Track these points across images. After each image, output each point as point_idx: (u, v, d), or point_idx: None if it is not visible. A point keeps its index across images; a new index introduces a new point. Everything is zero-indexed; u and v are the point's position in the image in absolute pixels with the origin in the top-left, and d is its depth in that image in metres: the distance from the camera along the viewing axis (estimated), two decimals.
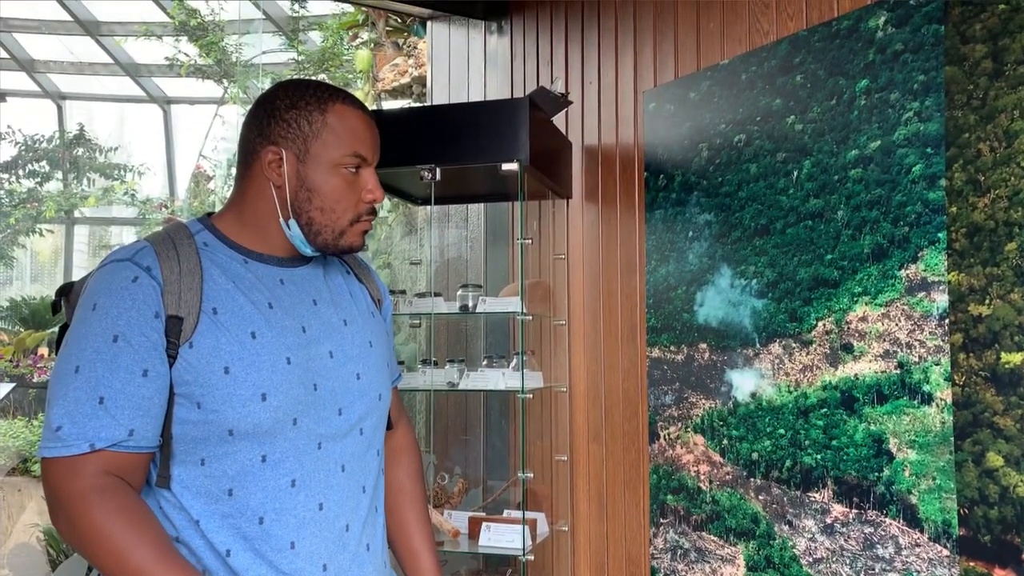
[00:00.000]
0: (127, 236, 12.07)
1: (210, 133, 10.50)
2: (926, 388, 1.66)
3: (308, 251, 1.30)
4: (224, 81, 9.36)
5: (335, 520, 1.25)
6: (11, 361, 8.52)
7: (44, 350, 9.20)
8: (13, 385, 7.53)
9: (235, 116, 10.12)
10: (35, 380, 7.82)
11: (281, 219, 1.28)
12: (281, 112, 1.27)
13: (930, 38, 1.68)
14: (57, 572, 3.01)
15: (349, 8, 5.65)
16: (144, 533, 1.11)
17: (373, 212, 1.34)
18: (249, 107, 1.36)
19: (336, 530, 1.25)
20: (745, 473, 2.04)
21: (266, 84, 9.11)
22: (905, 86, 1.72)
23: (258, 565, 1.18)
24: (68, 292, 1.31)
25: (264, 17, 8.95)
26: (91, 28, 10.68)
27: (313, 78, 1.45)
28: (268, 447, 1.20)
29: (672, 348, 2.29)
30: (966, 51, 1.62)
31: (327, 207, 1.27)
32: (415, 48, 4.54)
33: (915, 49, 1.70)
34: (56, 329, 1.43)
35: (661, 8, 2.43)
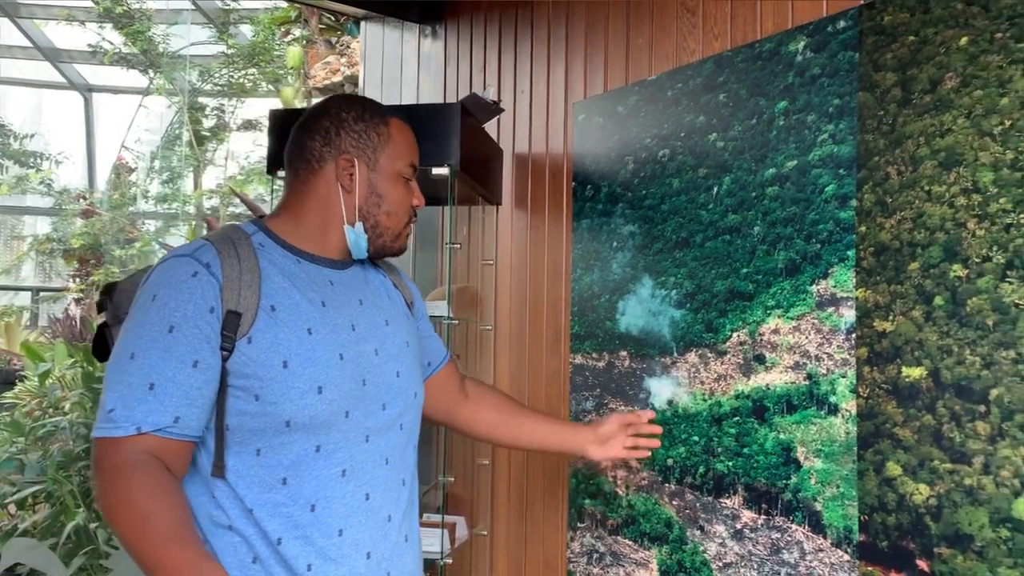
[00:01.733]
0: (41, 226, 11.62)
1: (134, 124, 10.21)
2: (833, 399, 1.73)
3: (364, 254, 1.40)
4: (150, 71, 9.12)
5: (379, 510, 1.33)
6: None
7: None
8: None
9: (160, 107, 9.86)
10: None
11: (346, 223, 1.37)
12: (351, 124, 1.38)
13: (845, 64, 1.75)
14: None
15: (282, 3, 5.58)
16: (167, 509, 1.15)
17: (415, 216, 1.46)
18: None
19: (379, 520, 1.32)
20: (660, 479, 2.09)
21: (194, 76, 8.92)
22: (821, 109, 1.79)
23: (307, 552, 1.24)
24: (112, 291, 1.38)
25: (194, 8, 8.76)
26: (9, 9, 10.26)
27: (358, 94, 1.56)
28: (323, 438, 1.27)
29: (594, 355, 2.33)
30: (878, 78, 1.70)
31: (393, 211, 1.40)
32: (348, 47, 4.51)
33: (831, 74, 1.78)
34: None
35: (592, 21, 2.48)
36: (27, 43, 10.90)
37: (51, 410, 4.81)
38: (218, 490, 1.25)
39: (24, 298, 10.81)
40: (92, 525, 3.39)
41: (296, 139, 1.42)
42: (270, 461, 1.24)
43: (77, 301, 8.57)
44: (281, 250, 1.35)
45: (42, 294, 10.20)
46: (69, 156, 11.12)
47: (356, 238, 1.38)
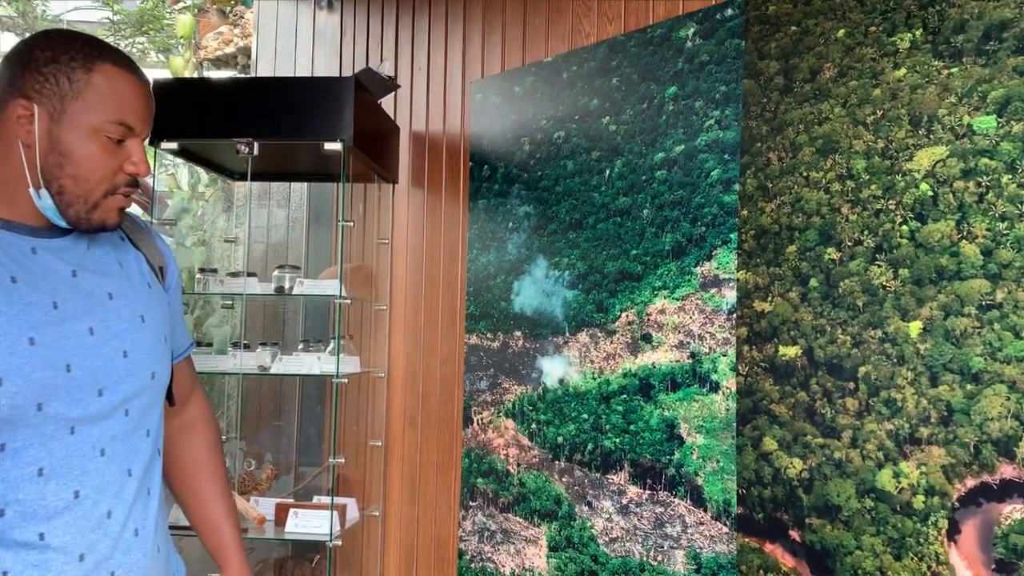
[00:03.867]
0: None
1: None
2: (714, 377, 1.78)
3: (61, 223, 1.18)
4: (27, 35, 8.60)
5: (94, 508, 1.17)
6: None
7: None
8: None
9: None
10: None
11: (31, 187, 1.15)
12: (39, 64, 1.14)
13: (732, 52, 1.80)
14: None
15: None
16: None
17: (134, 185, 1.22)
18: None
19: (95, 518, 1.17)
20: (551, 456, 2.12)
21: None
22: (708, 95, 1.84)
23: (2, 560, 1.09)
24: None
25: None
26: None
27: (83, 32, 1.29)
28: (7, 435, 1.09)
29: (489, 335, 2.34)
30: (762, 66, 1.75)
31: (80, 175, 1.16)
32: (241, 18, 4.36)
33: (719, 61, 1.82)
34: None
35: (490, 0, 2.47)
36: None
37: None
38: None
39: None
40: None
41: None
42: None
43: None
44: None
45: None
46: None
47: (44, 206, 1.16)
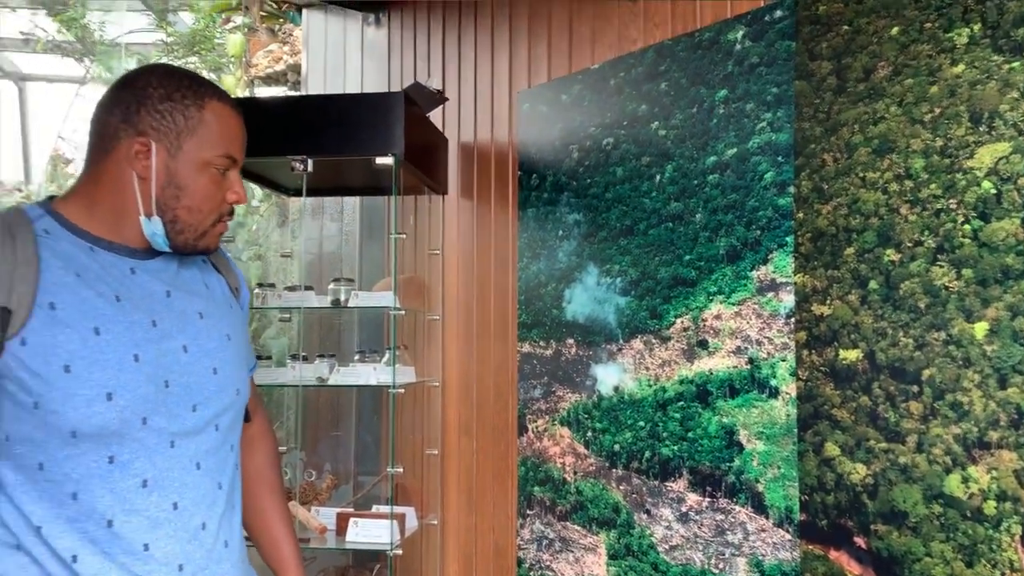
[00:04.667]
0: None
1: (70, 114, 9.93)
2: (773, 382, 1.76)
3: (165, 248, 1.24)
4: (86, 60, 8.87)
5: (191, 519, 1.21)
6: None
7: None
8: None
9: (97, 96, 9.60)
10: None
11: (142, 215, 1.21)
12: (154, 101, 1.20)
13: (782, 53, 1.78)
14: None
15: None
16: None
17: (232, 214, 1.30)
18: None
19: (192, 529, 1.21)
20: (607, 464, 2.12)
21: (132, 65, 8.69)
22: (759, 97, 1.82)
23: (108, 569, 1.14)
24: None
25: None
26: None
27: (184, 67, 1.33)
28: (116, 448, 1.14)
29: (541, 343, 2.34)
30: (814, 67, 1.73)
31: (195, 206, 1.23)
32: (290, 35, 4.44)
33: (769, 63, 1.81)
34: None
35: (535, 10, 2.48)
36: None
37: None
38: (2, 508, 1.13)
39: None
40: None
41: (97, 110, 1.24)
42: (55, 475, 1.12)
43: None
44: (72, 237, 1.19)
45: None
46: (3, 148, 10.77)
47: (153, 233, 1.22)
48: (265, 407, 1.57)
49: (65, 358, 1.11)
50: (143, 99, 1.21)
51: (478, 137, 2.71)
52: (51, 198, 1.25)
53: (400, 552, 2.36)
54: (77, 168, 9.93)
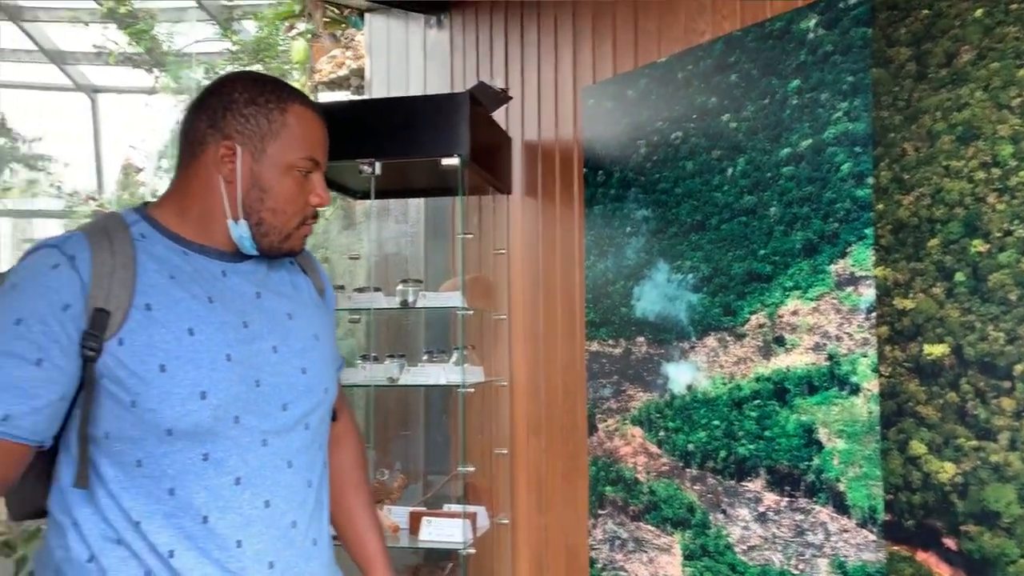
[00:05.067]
0: (52, 229, 11.67)
1: (140, 124, 10.22)
2: (854, 379, 1.72)
3: (252, 251, 1.27)
4: (155, 70, 9.12)
5: (282, 517, 1.23)
6: None
7: None
8: None
9: (166, 106, 9.87)
10: None
11: (229, 218, 1.24)
12: (239, 106, 1.23)
13: (858, 40, 1.73)
14: None
15: None
16: None
17: (316, 216, 1.31)
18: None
19: (283, 527, 1.23)
20: (681, 464, 2.09)
21: (199, 74, 8.91)
22: (834, 86, 1.77)
23: (203, 564, 1.16)
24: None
25: (197, 5, 8.74)
26: (13, 13, 10.27)
27: (269, 74, 1.37)
28: (210, 446, 1.17)
29: (610, 342, 2.32)
30: (892, 53, 1.67)
31: (279, 208, 1.25)
32: (352, 40, 4.50)
33: (844, 51, 1.76)
34: None
35: (599, 5, 2.46)
36: (32, 46, 10.92)
37: None
38: (103, 503, 1.16)
39: None
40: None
41: (186, 116, 1.28)
42: (153, 472, 1.15)
43: None
44: (166, 241, 1.23)
45: None
46: (77, 158, 11.15)
47: (239, 236, 1.25)
48: (351, 406, 1.59)
49: (161, 358, 1.14)
50: (229, 104, 1.24)
51: (542, 135, 2.70)
52: (146, 204, 1.29)
53: (473, 551, 2.37)
54: (147, 176, 10.23)
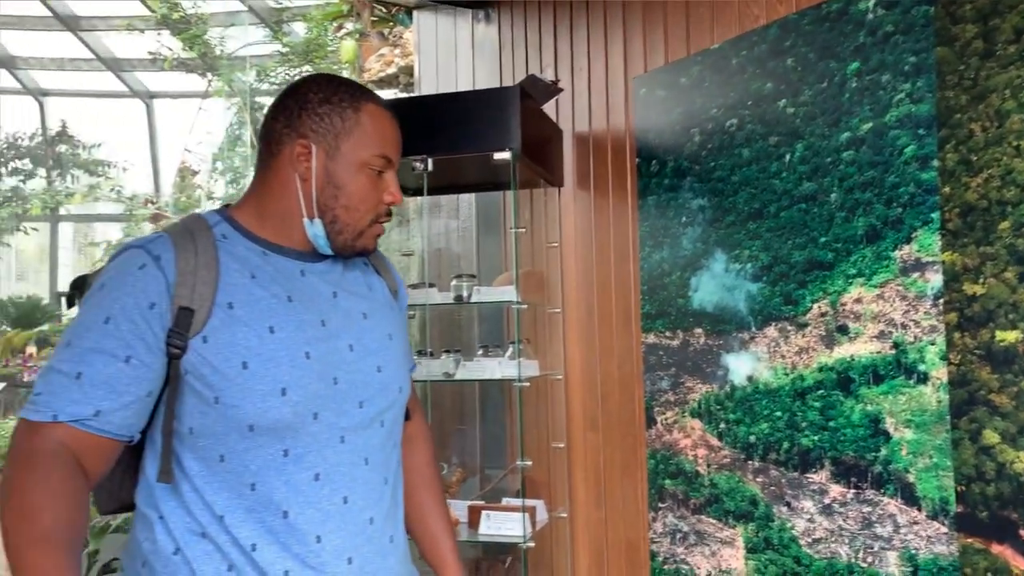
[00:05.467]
0: (112, 233, 11.99)
1: (194, 127, 10.45)
2: (922, 367, 1.67)
3: (327, 250, 1.29)
4: (208, 74, 9.29)
5: (360, 513, 1.25)
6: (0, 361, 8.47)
7: (32, 349, 9.16)
8: (3, 385, 7.48)
9: (220, 109, 10.06)
10: (25, 379, 7.77)
11: (304, 216, 1.27)
12: (314, 105, 1.26)
13: (920, 19, 1.68)
14: None
15: None
16: (54, 508, 1.09)
17: (389, 215, 1.33)
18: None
19: (360, 523, 1.25)
20: (743, 456, 2.06)
21: (251, 76, 9.07)
22: (896, 68, 1.73)
23: (284, 559, 1.18)
24: (82, 285, 1.31)
25: (247, 9, 8.89)
26: (71, 23, 10.57)
27: (342, 76, 1.41)
28: (290, 441, 1.19)
29: (667, 333, 2.30)
30: (956, 31, 1.62)
31: (352, 206, 1.27)
32: (401, 38, 4.52)
33: (905, 30, 1.71)
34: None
35: None
36: (90, 55, 11.22)
37: None
38: (187, 497, 1.18)
39: None
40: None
41: (264, 119, 1.31)
42: (235, 467, 1.18)
43: None
44: (246, 242, 1.26)
45: None
46: (135, 163, 11.44)
47: (315, 234, 1.27)
48: (422, 406, 1.60)
49: (243, 355, 1.17)
50: (304, 104, 1.27)
51: (594, 126, 2.68)
52: (226, 205, 1.32)
53: (532, 545, 2.37)
54: (202, 179, 10.44)
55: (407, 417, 1.44)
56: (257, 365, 1.17)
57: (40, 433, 1.13)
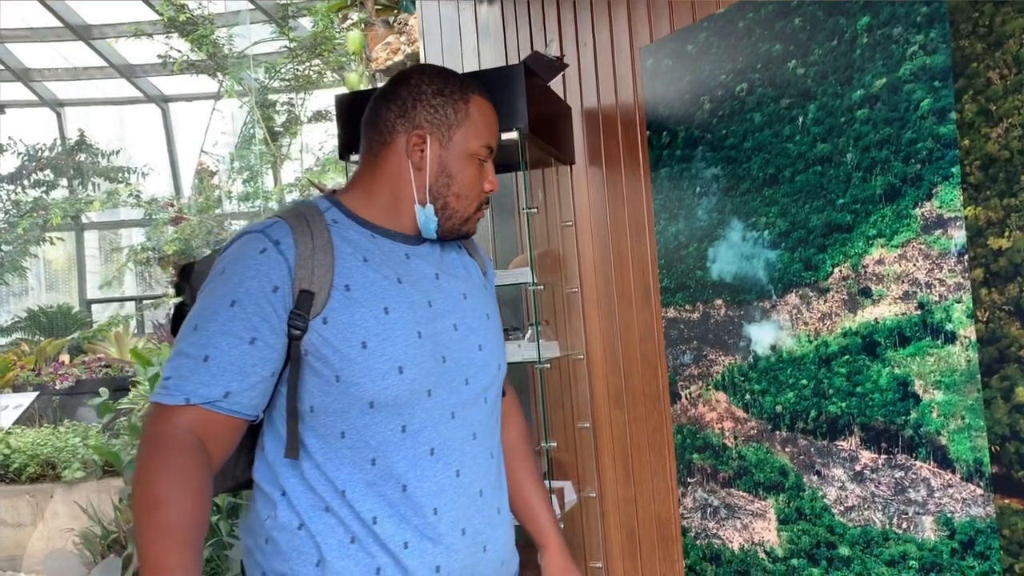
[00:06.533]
0: (136, 237, 12.10)
1: (209, 128, 10.49)
2: (949, 327, 1.63)
3: (433, 235, 1.35)
4: (219, 75, 9.31)
5: (470, 485, 1.30)
6: (33, 370, 8.60)
7: (65, 357, 9.28)
8: (37, 394, 7.59)
9: (233, 109, 10.09)
10: (57, 387, 7.88)
11: (416, 202, 1.32)
12: (428, 97, 1.31)
13: None
14: (92, 574, 3.05)
15: None
16: (181, 501, 1.14)
17: (488, 202, 1.39)
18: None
19: (471, 495, 1.30)
20: (770, 426, 2.02)
21: (260, 74, 9.07)
22: (908, 19, 1.67)
23: (404, 531, 1.23)
24: (189, 273, 1.38)
25: (252, 7, 8.88)
26: (82, 32, 10.63)
27: (446, 67, 1.46)
28: (407, 417, 1.24)
29: (687, 307, 2.26)
30: None
31: (463, 193, 1.33)
32: (406, 25, 4.49)
33: None
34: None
35: None
36: (103, 63, 11.29)
37: None
38: (309, 473, 1.24)
39: (129, 308, 11.31)
40: (214, 518, 3.52)
41: (373, 107, 1.37)
42: (356, 442, 1.23)
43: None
44: (356, 226, 1.31)
45: (144, 302, 10.64)
46: (154, 167, 11.52)
47: (426, 219, 1.33)
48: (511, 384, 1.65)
49: (362, 335, 1.22)
50: (418, 95, 1.32)
51: (602, 101, 2.64)
52: (334, 191, 1.38)
53: (562, 526, 2.35)
54: (221, 179, 10.49)
55: (504, 394, 1.50)
56: (375, 344, 1.22)
57: (170, 420, 1.17)
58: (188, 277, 1.38)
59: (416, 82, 1.33)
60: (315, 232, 1.25)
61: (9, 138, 11.17)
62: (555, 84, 2.68)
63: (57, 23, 10.50)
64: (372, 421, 1.22)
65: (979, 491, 1.60)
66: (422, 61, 3.72)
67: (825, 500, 1.89)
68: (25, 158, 11.21)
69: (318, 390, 1.22)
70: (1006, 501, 1.56)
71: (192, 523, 1.14)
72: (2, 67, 11.29)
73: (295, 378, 1.23)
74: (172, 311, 1.41)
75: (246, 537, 1.30)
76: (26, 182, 11.25)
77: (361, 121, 1.40)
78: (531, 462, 1.56)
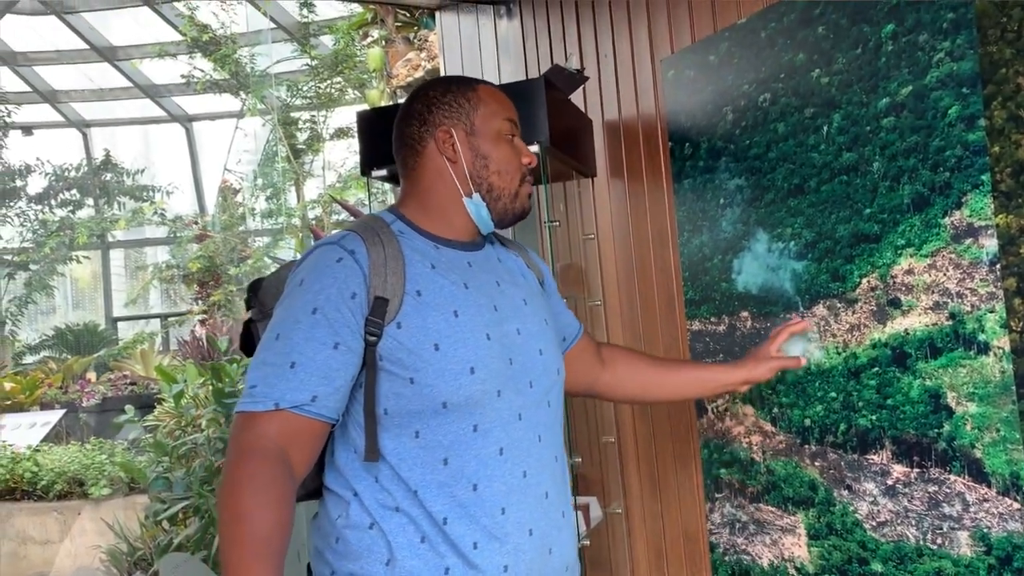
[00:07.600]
0: (161, 255, 12.22)
1: (232, 146, 10.59)
2: (981, 337, 1.59)
3: (490, 225, 1.41)
4: (241, 93, 9.41)
5: (536, 487, 1.32)
6: (61, 388, 8.69)
7: (91, 375, 9.37)
8: (64, 411, 7.67)
9: (256, 127, 10.19)
10: (84, 405, 7.95)
11: (463, 196, 1.38)
12: (439, 98, 1.40)
13: None
14: None
15: (357, 8, 5.63)
16: (265, 514, 1.15)
17: (532, 174, 1.45)
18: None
19: (538, 496, 1.32)
20: (799, 440, 1.99)
21: (282, 92, 9.16)
22: (934, 26, 1.65)
23: (473, 531, 1.25)
24: (258, 288, 1.44)
25: (274, 26, 8.98)
26: (107, 53, 10.80)
27: (444, 75, 1.56)
28: (478, 417, 1.28)
29: (713, 319, 2.24)
30: None
31: (503, 169, 1.39)
32: (426, 41, 4.51)
33: None
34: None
35: None
36: (128, 83, 11.45)
37: (188, 428, 5.03)
38: (382, 474, 1.27)
39: (154, 325, 11.41)
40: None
41: (397, 132, 1.43)
42: (430, 442, 1.26)
43: (201, 323, 8.96)
44: (420, 237, 1.37)
45: (169, 319, 10.74)
46: (178, 186, 11.65)
47: (477, 208, 1.38)
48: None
49: (434, 337, 1.27)
50: (430, 102, 1.41)
51: (623, 113, 2.63)
52: (394, 206, 1.44)
53: (588, 542, 2.33)
54: (244, 196, 10.57)
55: (600, 365, 1.67)
56: (447, 346, 1.27)
57: (257, 428, 1.20)
58: (257, 292, 1.43)
59: (424, 93, 1.42)
60: (385, 242, 1.30)
61: (37, 159, 11.35)
62: (576, 97, 2.67)
63: (83, 45, 10.67)
64: (445, 421, 1.26)
65: (1016, 505, 1.56)
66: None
67: (856, 515, 1.86)
68: (52, 178, 11.38)
69: (393, 393, 1.26)
70: None
71: (272, 535, 1.15)
72: (30, 89, 11.48)
73: (372, 382, 1.26)
74: (241, 327, 1.47)
75: (316, 539, 1.33)
76: (53, 202, 11.42)
77: (392, 151, 1.45)
78: (672, 360, 1.72)
